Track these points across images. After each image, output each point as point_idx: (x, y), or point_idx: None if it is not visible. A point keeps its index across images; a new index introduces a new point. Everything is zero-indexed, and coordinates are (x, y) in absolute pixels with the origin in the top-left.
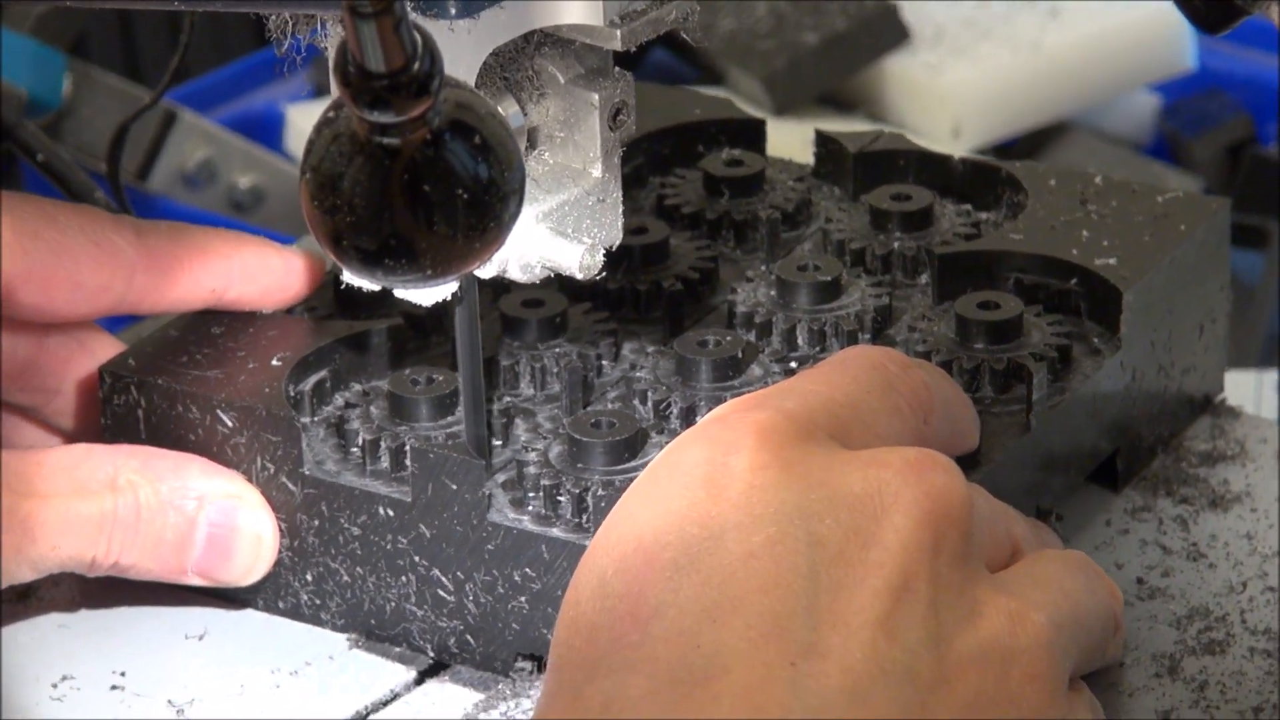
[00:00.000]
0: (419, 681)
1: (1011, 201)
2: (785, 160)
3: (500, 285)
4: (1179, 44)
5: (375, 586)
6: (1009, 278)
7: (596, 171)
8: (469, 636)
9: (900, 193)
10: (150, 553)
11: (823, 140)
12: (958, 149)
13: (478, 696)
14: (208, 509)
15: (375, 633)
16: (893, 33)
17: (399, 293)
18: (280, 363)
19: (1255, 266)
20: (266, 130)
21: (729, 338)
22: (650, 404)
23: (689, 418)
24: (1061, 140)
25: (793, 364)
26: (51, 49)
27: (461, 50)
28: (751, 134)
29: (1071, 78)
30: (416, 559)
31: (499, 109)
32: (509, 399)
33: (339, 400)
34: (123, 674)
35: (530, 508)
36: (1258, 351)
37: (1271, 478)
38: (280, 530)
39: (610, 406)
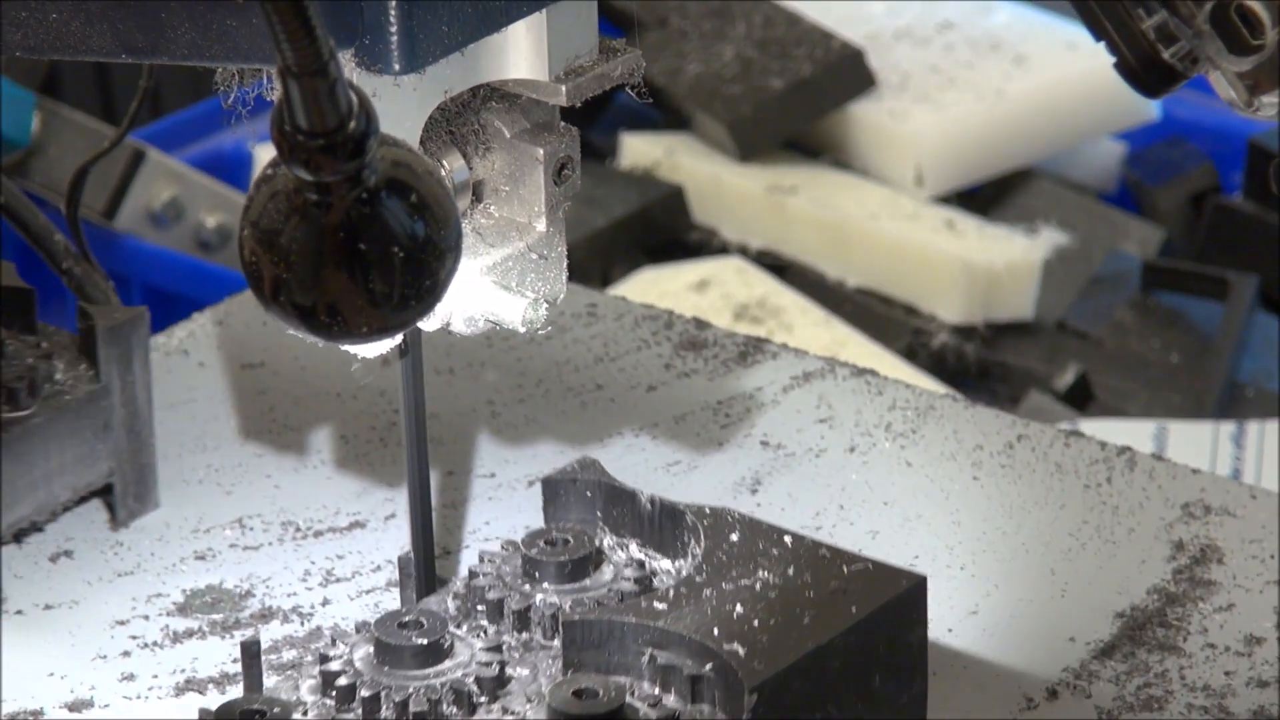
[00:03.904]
0: None
1: (692, 553)
2: None
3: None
4: None
5: None
6: (644, 653)
7: (541, 226)
8: None
9: (559, 538)
10: None
11: None
12: (921, 194)
13: None
14: None
15: None
16: (858, 79)
17: (344, 346)
18: None
19: (1214, 317)
20: (234, 169)
21: None
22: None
23: None
24: (1025, 187)
25: None
26: (20, 87)
27: (407, 105)
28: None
29: (1035, 125)
30: None
31: (440, 165)
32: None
33: None
34: None
35: None
36: (1214, 403)
37: None
38: None
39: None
